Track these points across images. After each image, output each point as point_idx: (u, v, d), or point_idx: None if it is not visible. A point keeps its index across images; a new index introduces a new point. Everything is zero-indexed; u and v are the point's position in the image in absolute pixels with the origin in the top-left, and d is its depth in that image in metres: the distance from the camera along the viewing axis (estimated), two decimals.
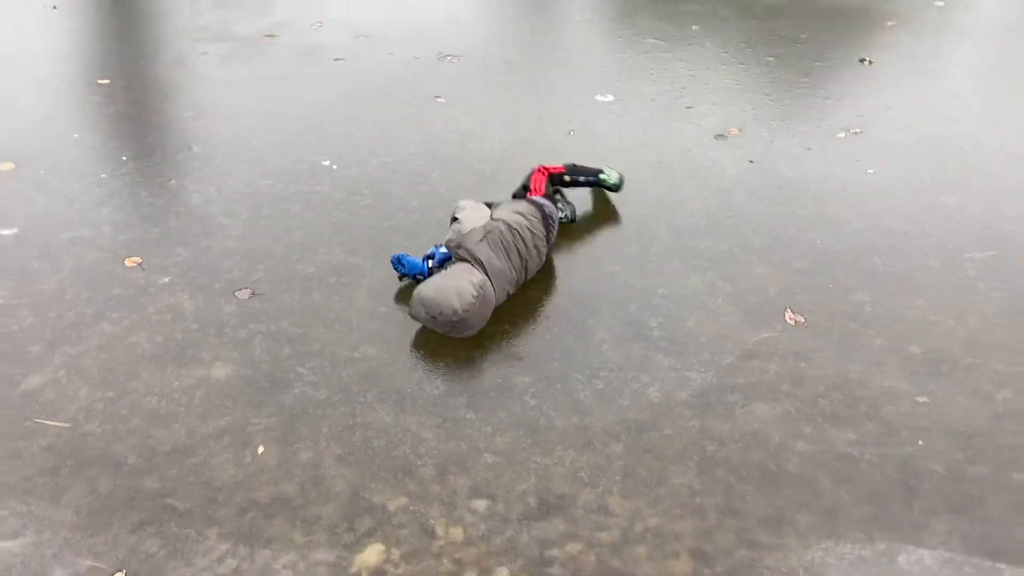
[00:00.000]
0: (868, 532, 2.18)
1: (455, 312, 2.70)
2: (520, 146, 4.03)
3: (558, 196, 3.43)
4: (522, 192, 3.32)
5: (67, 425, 2.47)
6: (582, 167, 3.52)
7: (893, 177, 3.82)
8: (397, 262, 3.03)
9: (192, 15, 5.70)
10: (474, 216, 3.01)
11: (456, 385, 2.64)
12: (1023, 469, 2.37)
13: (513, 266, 2.92)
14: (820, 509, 2.25)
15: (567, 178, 3.46)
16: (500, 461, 2.37)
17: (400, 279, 3.07)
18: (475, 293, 2.73)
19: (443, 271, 2.87)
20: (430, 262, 2.99)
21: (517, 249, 2.94)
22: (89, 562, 2.09)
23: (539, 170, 3.38)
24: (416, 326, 2.86)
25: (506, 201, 3.21)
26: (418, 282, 2.94)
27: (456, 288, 2.73)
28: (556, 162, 3.54)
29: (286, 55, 5.07)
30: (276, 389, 2.61)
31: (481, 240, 2.88)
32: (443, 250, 2.98)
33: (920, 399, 2.59)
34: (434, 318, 2.74)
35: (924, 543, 2.16)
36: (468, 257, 2.86)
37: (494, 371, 2.70)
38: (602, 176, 3.52)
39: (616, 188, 3.55)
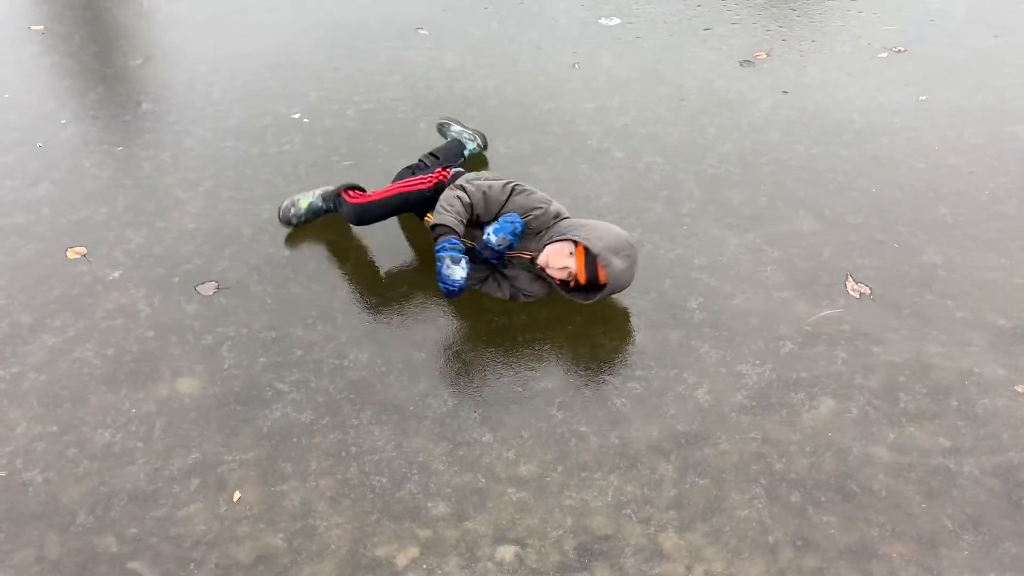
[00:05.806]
0: (978, 569, 1.81)
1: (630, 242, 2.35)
2: (517, 85, 3.51)
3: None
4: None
5: (3, 474, 2.05)
6: (441, 152, 2.89)
7: (949, 103, 3.34)
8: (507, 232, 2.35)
9: None
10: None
11: (467, 397, 2.21)
12: None
13: None
14: (916, 538, 1.87)
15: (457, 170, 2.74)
16: (527, 497, 1.97)
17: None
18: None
19: (557, 229, 2.38)
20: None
21: None
22: None
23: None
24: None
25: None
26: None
27: (605, 225, 2.37)
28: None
29: None
30: (251, 411, 2.19)
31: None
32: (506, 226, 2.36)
33: (1019, 388, 2.19)
34: (630, 256, 2.31)
35: None
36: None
37: (510, 376, 2.27)
38: (466, 153, 2.96)
39: (482, 150, 3.04)
